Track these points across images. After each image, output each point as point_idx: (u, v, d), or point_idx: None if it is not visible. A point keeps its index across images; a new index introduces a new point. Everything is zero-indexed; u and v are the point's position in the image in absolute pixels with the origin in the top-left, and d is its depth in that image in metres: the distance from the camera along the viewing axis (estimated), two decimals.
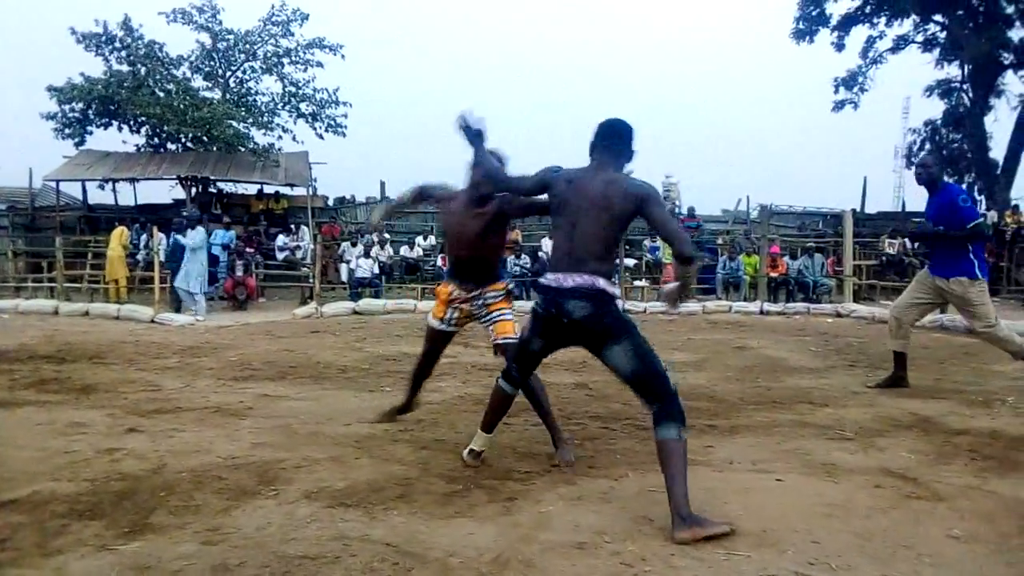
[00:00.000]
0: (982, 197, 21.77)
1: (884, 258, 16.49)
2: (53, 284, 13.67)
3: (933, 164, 5.72)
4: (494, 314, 4.00)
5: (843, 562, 2.55)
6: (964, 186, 22.78)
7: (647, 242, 17.19)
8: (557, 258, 3.22)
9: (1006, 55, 21.07)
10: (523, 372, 3.53)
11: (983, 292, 5.49)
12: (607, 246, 3.17)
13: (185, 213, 13.48)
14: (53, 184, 18.12)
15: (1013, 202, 19.64)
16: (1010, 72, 21.51)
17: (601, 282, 3.10)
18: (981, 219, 5.58)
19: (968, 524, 2.91)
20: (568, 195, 3.20)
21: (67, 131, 18.31)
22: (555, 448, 3.80)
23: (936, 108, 23.37)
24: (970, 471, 3.62)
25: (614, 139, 3.30)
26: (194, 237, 11.75)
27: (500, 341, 3.91)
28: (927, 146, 23.45)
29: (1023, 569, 2.54)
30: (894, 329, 5.79)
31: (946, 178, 5.87)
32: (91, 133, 18.67)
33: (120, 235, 13.94)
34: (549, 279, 3.20)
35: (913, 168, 5.82)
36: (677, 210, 19.27)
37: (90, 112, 18.20)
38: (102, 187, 18.75)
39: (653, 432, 3.05)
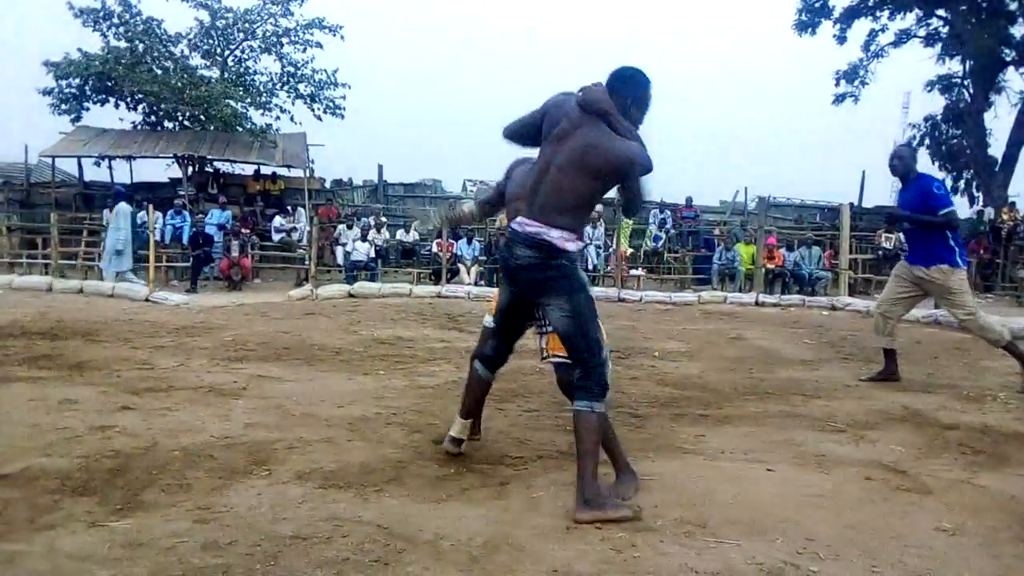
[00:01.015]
0: (979, 193, 21.80)
1: (880, 252, 16.53)
2: (48, 261, 13.63)
3: (908, 155, 5.81)
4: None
5: (831, 552, 2.57)
6: (963, 182, 22.84)
7: (651, 229, 17.14)
8: (523, 201, 3.04)
9: (1008, 52, 21.01)
10: (500, 350, 3.38)
11: (963, 280, 5.54)
12: (577, 202, 2.94)
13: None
14: (49, 160, 18.01)
15: (1010, 199, 19.67)
16: (1011, 69, 21.46)
17: (554, 233, 2.89)
18: (954, 207, 5.58)
19: (956, 517, 2.92)
20: (550, 136, 2.95)
21: (64, 107, 18.18)
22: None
23: (936, 103, 23.33)
24: (960, 465, 3.64)
25: (621, 87, 2.99)
26: (120, 212, 11.74)
27: (552, 359, 3.32)
28: (927, 141, 23.40)
29: (1009, 562, 2.56)
30: (880, 326, 5.81)
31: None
32: (88, 109, 18.55)
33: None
34: (513, 224, 3.05)
35: (888, 159, 5.75)
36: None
37: (87, 88, 18.06)
38: (98, 164, 18.63)
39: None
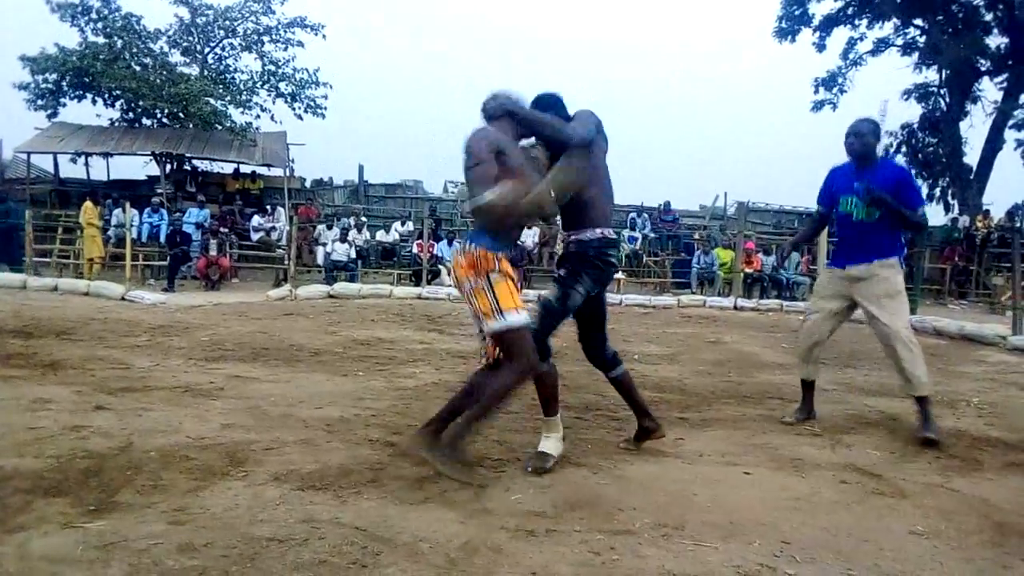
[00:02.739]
0: (955, 201, 22.08)
1: None
2: (22, 258, 13.41)
3: (868, 132, 4.43)
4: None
5: (807, 555, 2.59)
6: (938, 190, 23.12)
7: (625, 232, 17.25)
8: (606, 214, 3.55)
9: (983, 62, 21.34)
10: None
11: (902, 283, 4.45)
12: None
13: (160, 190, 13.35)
14: (24, 156, 17.77)
15: (984, 207, 19.96)
16: (986, 79, 21.79)
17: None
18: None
19: (930, 521, 2.96)
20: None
21: (39, 102, 17.97)
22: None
23: (913, 112, 23.64)
24: (934, 469, 3.69)
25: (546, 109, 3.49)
26: None
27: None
28: (903, 149, 23.69)
29: (982, 565, 2.59)
30: (805, 353, 4.73)
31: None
32: (64, 105, 18.35)
33: (86, 212, 13.68)
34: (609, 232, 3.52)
35: (844, 137, 4.44)
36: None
37: (64, 84, 17.86)
38: (74, 161, 18.43)
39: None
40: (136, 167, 19.13)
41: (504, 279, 3.12)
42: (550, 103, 3.52)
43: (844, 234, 4.58)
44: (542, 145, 3.47)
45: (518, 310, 3.11)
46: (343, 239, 14.58)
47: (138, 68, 17.88)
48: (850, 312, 4.60)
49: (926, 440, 4.07)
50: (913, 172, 22.96)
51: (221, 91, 18.65)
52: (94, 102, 18.44)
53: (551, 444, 3.52)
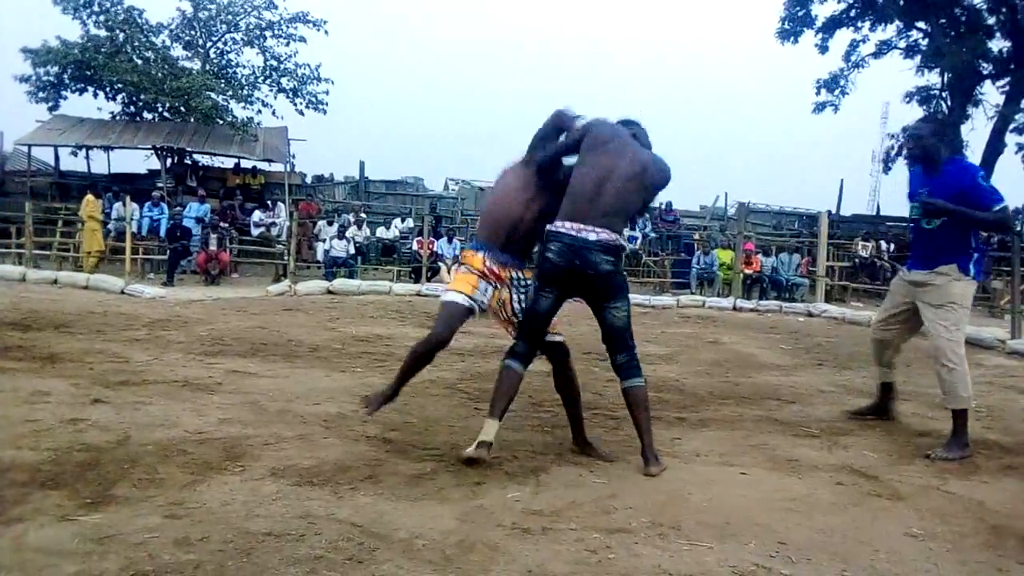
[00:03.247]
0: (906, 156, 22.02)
1: (857, 260, 16.72)
2: (21, 251, 13.42)
3: (928, 134, 4.28)
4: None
5: (803, 556, 2.59)
6: None
7: (626, 231, 17.25)
8: (578, 207, 3.32)
9: (985, 65, 21.32)
10: (533, 344, 3.54)
11: (968, 296, 4.26)
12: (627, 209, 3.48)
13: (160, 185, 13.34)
14: (25, 148, 17.76)
15: None
16: (988, 82, 21.78)
17: (620, 239, 3.36)
18: (1007, 203, 4.17)
19: (926, 523, 2.96)
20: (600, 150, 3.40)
21: (41, 95, 17.96)
22: (577, 442, 3.75)
23: (915, 114, 23.65)
24: (930, 472, 3.69)
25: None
26: None
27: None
28: (904, 151, 23.68)
29: (976, 567, 2.60)
30: (876, 353, 4.76)
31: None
32: (66, 98, 18.35)
33: (87, 205, 13.68)
34: (569, 228, 3.29)
35: (903, 140, 4.13)
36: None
37: (65, 76, 17.85)
38: (75, 154, 18.43)
39: (621, 381, 3.54)
40: (137, 161, 19.15)
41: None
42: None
43: (913, 238, 4.55)
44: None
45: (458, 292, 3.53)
46: (341, 235, 14.57)
47: (140, 62, 17.86)
48: (918, 315, 4.39)
49: (933, 457, 3.94)
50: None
51: (223, 86, 18.65)
52: (95, 95, 18.44)
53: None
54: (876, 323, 4.77)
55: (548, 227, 3.37)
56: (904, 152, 4.77)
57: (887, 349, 4.67)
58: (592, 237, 3.25)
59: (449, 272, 14.45)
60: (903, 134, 23.13)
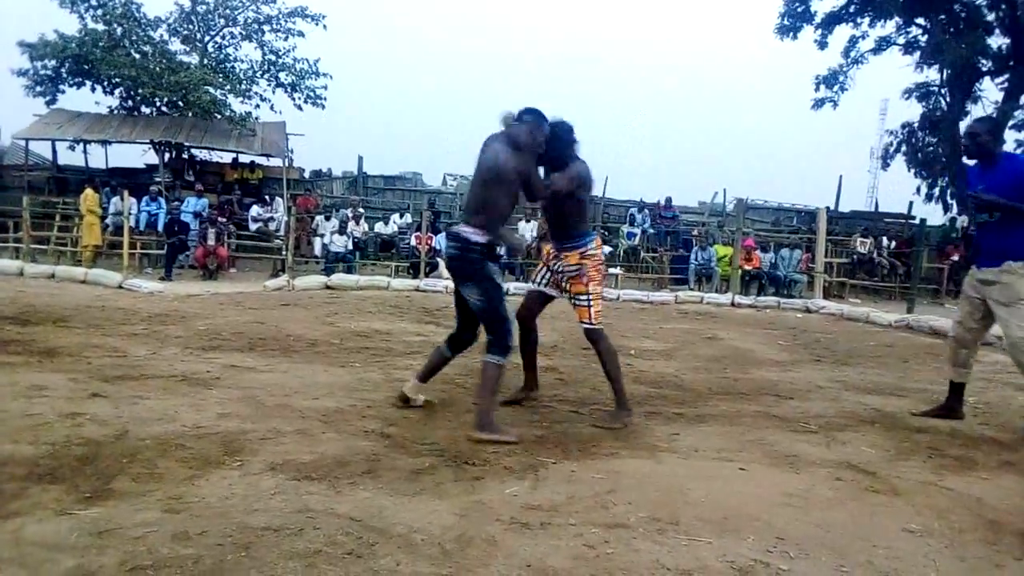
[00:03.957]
0: (953, 201, 22.09)
1: (855, 256, 16.73)
2: (19, 245, 13.40)
3: (983, 131, 4.46)
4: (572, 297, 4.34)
5: (801, 551, 2.60)
6: (937, 190, 23.12)
7: (624, 227, 17.24)
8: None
9: (984, 62, 21.30)
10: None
11: None
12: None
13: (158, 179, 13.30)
14: (22, 143, 17.71)
15: None
16: (987, 79, 21.77)
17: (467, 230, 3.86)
18: None
19: (923, 519, 2.97)
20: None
21: (38, 89, 17.88)
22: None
23: (914, 111, 23.62)
24: (928, 468, 3.69)
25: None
26: None
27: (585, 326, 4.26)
28: (903, 148, 23.69)
29: (974, 563, 2.60)
30: (951, 355, 4.82)
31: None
32: (63, 92, 18.25)
33: (87, 199, 13.64)
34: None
35: (962, 140, 4.55)
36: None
37: (63, 70, 17.76)
38: (73, 148, 18.34)
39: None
40: (134, 155, 19.06)
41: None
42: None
43: (978, 235, 4.62)
44: None
45: None
46: (342, 231, 14.53)
47: (137, 56, 17.78)
48: (990, 317, 4.52)
49: None
50: (913, 172, 23.00)
51: (221, 80, 18.55)
52: (93, 89, 18.35)
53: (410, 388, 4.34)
54: (955, 323, 4.80)
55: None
56: (961, 149, 4.86)
57: (964, 348, 4.71)
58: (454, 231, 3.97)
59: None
60: (902, 130, 23.22)
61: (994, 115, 20.79)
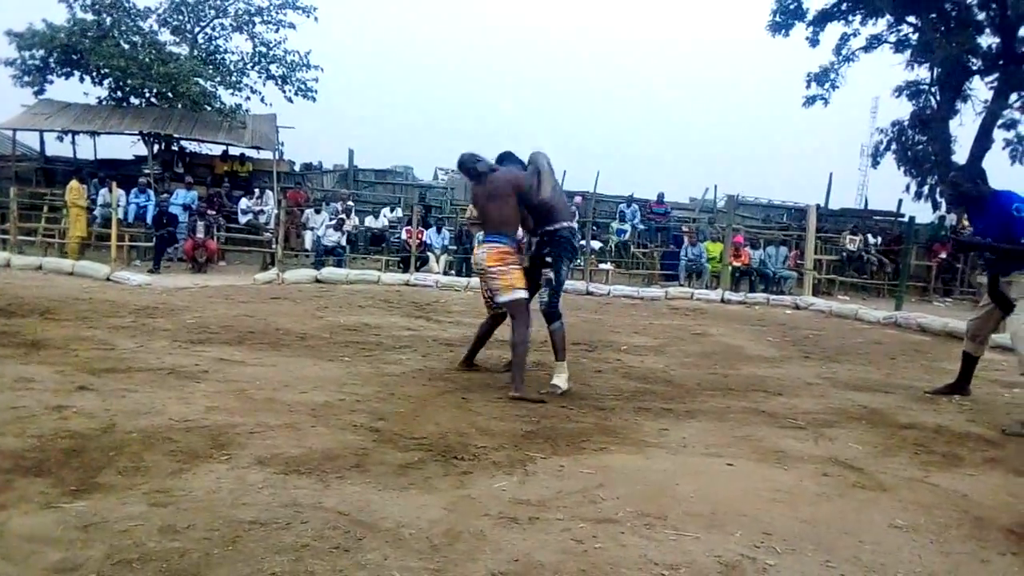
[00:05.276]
0: (943, 199, 22.20)
1: (844, 254, 16.80)
2: (6, 236, 13.29)
3: (963, 181, 4.98)
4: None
5: (788, 546, 2.61)
6: (926, 188, 23.22)
7: (614, 224, 17.25)
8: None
9: (974, 61, 21.40)
10: None
11: None
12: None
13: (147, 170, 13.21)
14: (9, 133, 17.53)
15: None
16: (977, 78, 21.87)
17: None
18: None
19: (909, 514, 2.99)
20: None
21: (26, 79, 17.70)
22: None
23: (904, 109, 23.70)
24: (914, 464, 3.72)
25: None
26: None
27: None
28: (893, 146, 23.78)
29: (959, 559, 2.62)
30: (968, 338, 5.43)
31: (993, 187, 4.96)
32: (51, 82, 18.07)
33: (71, 191, 13.52)
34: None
35: (946, 190, 5.13)
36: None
37: (51, 60, 17.59)
38: (61, 139, 18.20)
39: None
40: (123, 147, 18.90)
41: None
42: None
43: (989, 263, 5.12)
44: None
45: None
46: (338, 227, 14.44)
47: (127, 46, 17.62)
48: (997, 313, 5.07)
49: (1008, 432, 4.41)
50: (902, 170, 23.09)
51: (211, 72, 18.44)
52: (82, 80, 18.18)
53: (561, 380, 4.84)
54: (970, 322, 5.44)
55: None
56: (945, 198, 5.68)
57: (976, 337, 5.33)
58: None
59: (438, 261, 14.43)
60: (892, 128, 23.28)
61: (982, 114, 20.94)
